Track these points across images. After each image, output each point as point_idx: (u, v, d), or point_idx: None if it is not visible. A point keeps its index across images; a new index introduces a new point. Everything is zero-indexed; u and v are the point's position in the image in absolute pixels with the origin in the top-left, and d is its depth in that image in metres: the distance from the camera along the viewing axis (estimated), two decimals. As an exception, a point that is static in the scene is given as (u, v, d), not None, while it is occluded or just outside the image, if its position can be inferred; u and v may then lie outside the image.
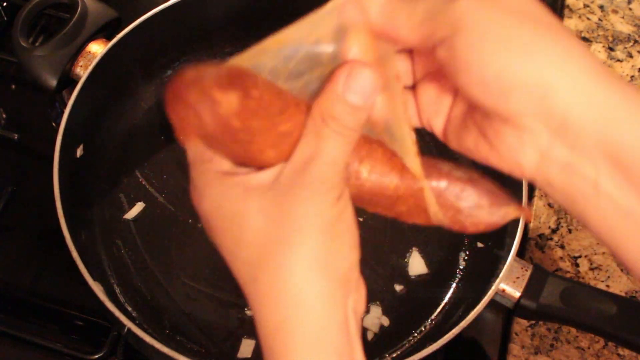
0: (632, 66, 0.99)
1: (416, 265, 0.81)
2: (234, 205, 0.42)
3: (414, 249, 0.81)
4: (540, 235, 0.85)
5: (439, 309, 0.79)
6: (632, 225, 0.37)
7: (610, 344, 0.79)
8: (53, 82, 0.80)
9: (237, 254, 0.43)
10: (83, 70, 0.80)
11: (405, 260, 0.81)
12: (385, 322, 0.77)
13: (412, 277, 0.80)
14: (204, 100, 0.40)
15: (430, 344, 0.67)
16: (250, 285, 0.42)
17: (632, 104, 0.37)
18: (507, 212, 0.49)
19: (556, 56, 0.37)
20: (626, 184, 0.37)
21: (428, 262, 0.81)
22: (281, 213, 0.41)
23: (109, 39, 0.80)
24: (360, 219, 0.82)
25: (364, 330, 0.77)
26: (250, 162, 0.43)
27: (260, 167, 0.43)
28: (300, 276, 0.41)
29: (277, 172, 0.42)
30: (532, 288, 0.71)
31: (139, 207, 0.81)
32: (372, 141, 0.45)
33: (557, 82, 0.37)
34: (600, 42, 1.00)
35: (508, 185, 0.79)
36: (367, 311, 0.78)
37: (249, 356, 0.74)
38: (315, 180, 0.41)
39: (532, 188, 0.88)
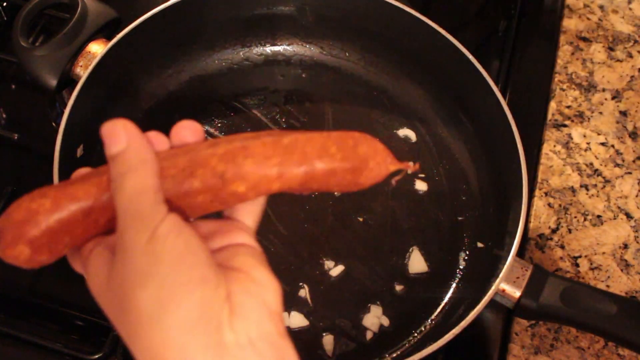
0: (632, 66, 0.99)
1: (416, 263, 0.81)
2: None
3: (414, 247, 0.82)
4: (540, 235, 0.85)
5: (439, 309, 0.79)
6: None
7: (610, 344, 0.79)
8: (53, 82, 0.80)
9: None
10: (83, 70, 0.80)
11: (405, 259, 0.81)
12: (385, 322, 0.77)
13: (412, 275, 0.80)
14: (8, 258, 0.45)
15: (430, 344, 0.67)
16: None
17: None
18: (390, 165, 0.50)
19: None
20: None
21: (428, 261, 0.81)
22: (112, 275, 0.44)
23: (109, 39, 0.80)
24: (360, 219, 0.83)
25: (363, 330, 0.77)
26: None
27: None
28: (143, 337, 0.41)
29: None
30: (532, 288, 0.71)
31: (139, 207, 0.81)
32: (237, 154, 0.46)
33: None
34: (600, 42, 1.00)
35: (508, 183, 0.79)
36: (367, 310, 0.78)
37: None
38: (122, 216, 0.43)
39: (532, 188, 0.88)
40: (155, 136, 0.47)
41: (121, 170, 0.43)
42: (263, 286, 0.44)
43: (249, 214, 0.49)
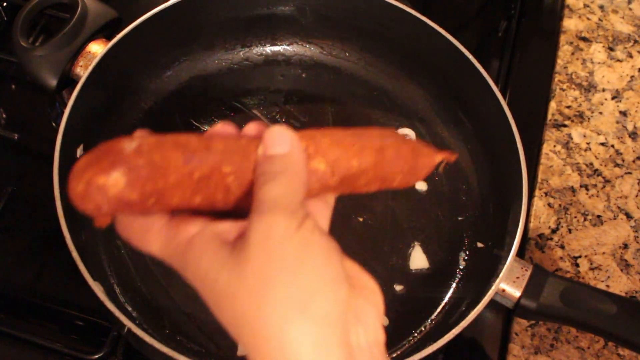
0: (632, 66, 0.99)
1: (418, 259, 0.81)
2: (206, 264, 0.42)
3: (416, 243, 0.81)
4: (540, 235, 0.85)
5: (439, 309, 0.79)
6: None
7: (610, 344, 0.79)
8: (53, 82, 0.80)
9: (218, 313, 0.43)
10: (83, 70, 0.80)
11: (406, 257, 0.81)
12: (385, 321, 0.77)
13: (412, 270, 0.80)
14: (92, 191, 0.41)
15: (430, 344, 0.67)
16: (241, 342, 0.42)
17: None
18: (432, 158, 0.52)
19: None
20: None
21: (429, 259, 0.81)
22: (241, 264, 0.41)
23: (109, 39, 0.80)
24: (360, 219, 0.83)
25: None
26: (183, 209, 0.44)
27: (198, 210, 0.44)
28: (279, 328, 0.40)
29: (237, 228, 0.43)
30: (532, 288, 0.71)
31: (139, 207, 0.81)
32: (315, 134, 0.47)
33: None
34: (600, 42, 1.00)
35: (508, 183, 0.79)
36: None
37: (249, 356, 0.74)
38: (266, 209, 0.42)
39: (532, 188, 0.88)
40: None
41: (278, 169, 0.44)
42: (374, 292, 0.46)
43: (322, 216, 0.49)
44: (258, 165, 0.44)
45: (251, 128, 0.48)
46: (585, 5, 1.04)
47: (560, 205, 0.87)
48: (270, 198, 0.42)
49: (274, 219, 0.41)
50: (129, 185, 0.41)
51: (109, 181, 0.40)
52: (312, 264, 0.41)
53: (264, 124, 0.47)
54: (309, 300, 0.40)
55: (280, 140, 0.45)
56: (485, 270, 0.75)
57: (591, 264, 0.84)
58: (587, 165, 0.90)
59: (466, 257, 0.82)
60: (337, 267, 0.43)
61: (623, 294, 0.81)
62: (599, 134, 0.93)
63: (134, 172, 0.41)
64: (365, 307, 0.44)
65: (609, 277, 0.83)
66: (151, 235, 0.45)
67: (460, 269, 0.81)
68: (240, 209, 0.45)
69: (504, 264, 0.71)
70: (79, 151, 0.79)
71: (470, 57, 0.81)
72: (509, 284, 0.71)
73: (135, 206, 0.42)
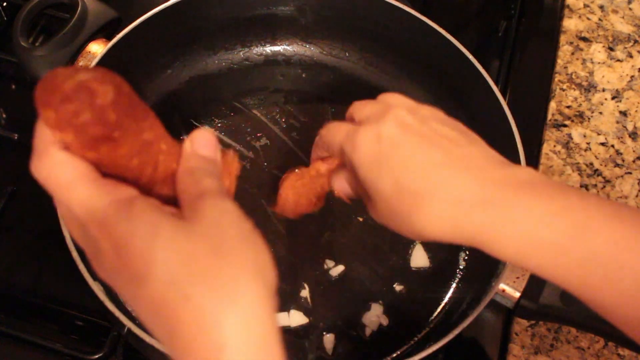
0: (632, 66, 0.99)
1: (419, 258, 0.81)
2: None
3: (417, 241, 0.81)
4: (540, 235, 0.85)
5: (439, 309, 0.79)
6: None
7: (610, 344, 0.79)
8: (53, 82, 0.80)
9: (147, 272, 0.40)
10: (83, 70, 0.80)
11: (406, 259, 0.81)
12: (385, 321, 0.77)
13: (413, 269, 0.80)
14: (82, 90, 0.39)
15: (430, 344, 0.67)
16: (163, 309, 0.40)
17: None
18: None
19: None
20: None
21: (429, 259, 0.81)
22: (194, 233, 0.41)
23: (109, 39, 0.80)
24: (360, 219, 0.83)
25: (362, 327, 0.77)
26: (116, 169, 0.43)
27: (125, 176, 0.44)
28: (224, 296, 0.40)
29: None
30: (532, 288, 0.71)
31: (139, 207, 0.81)
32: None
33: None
34: (600, 42, 1.00)
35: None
36: (368, 308, 0.78)
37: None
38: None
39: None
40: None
41: (211, 169, 0.46)
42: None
43: None
44: (186, 158, 0.46)
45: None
46: (585, 5, 1.04)
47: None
48: (213, 189, 0.44)
49: (228, 205, 0.43)
50: (113, 104, 0.40)
51: (101, 89, 0.40)
52: (253, 248, 0.43)
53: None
54: (259, 267, 0.42)
55: (210, 144, 0.48)
56: (485, 270, 0.75)
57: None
58: (587, 165, 0.90)
59: (466, 257, 0.82)
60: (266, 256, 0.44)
61: (623, 294, 0.81)
62: (599, 134, 0.93)
63: (120, 96, 0.41)
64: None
65: (609, 277, 0.83)
66: (81, 183, 0.43)
67: (460, 269, 0.81)
68: (146, 192, 0.45)
69: (504, 264, 0.71)
70: (79, 151, 0.79)
71: (470, 57, 0.81)
72: (509, 284, 0.71)
73: (98, 138, 0.41)
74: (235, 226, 0.42)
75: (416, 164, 0.51)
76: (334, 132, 0.59)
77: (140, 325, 0.73)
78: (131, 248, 0.40)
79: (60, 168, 0.43)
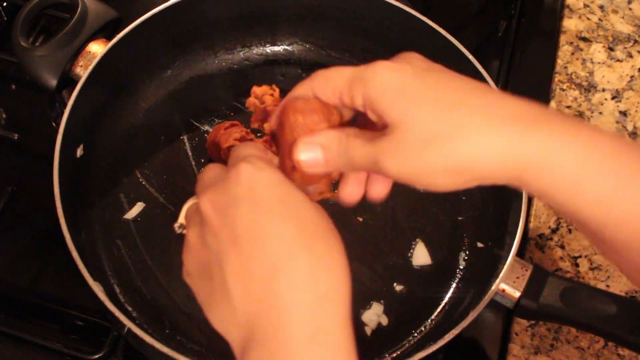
0: (632, 66, 0.99)
1: (420, 255, 0.81)
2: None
3: (418, 239, 0.81)
4: (540, 235, 0.85)
5: (439, 309, 0.79)
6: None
7: (610, 344, 0.79)
8: (53, 82, 0.80)
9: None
10: (83, 70, 0.80)
11: (406, 258, 0.81)
12: (384, 321, 0.77)
13: (415, 267, 0.80)
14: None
15: (430, 344, 0.67)
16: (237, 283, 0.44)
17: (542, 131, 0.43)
18: None
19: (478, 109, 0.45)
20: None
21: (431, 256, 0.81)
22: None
23: (109, 39, 0.80)
24: (360, 219, 0.83)
25: (361, 326, 0.77)
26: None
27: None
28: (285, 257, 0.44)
29: None
30: (532, 288, 0.71)
31: (139, 207, 0.81)
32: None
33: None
34: (600, 42, 1.00)
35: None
36: (369, 307, 0.78)
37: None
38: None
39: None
40: None
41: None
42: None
43: None
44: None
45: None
46: (585, 5, 1.04)
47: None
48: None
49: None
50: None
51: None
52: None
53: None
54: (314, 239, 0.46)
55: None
56: (485, 270, 0.75)
57: (591, 264, 0.84)
58: (587, 165, 0.90)
59: (466, 257, 0.82)
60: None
61: (623, 294, 0.81)
62: (599, 134, 0.93)
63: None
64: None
65: (609, 277, 0.83)
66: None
67: (460, 269, 0.81)
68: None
69: (504, 264, 0.71)
70: (79, 151, 0.79)
71: (470, 57, 0.81)
72: (509, 284, 0.71)
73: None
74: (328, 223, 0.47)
75: (456, 84, 0.47)
76: (331, 75, 0.50)
77: (140, 325, 0.73)
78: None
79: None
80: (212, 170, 0.50)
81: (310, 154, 0.49)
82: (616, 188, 0.43)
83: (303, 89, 0.52)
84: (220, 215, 0.45)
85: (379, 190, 0.53)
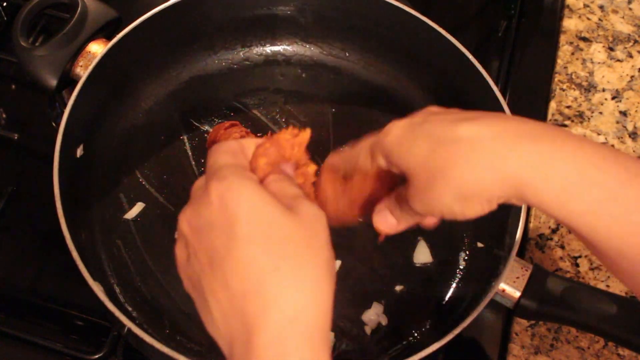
0: (632, 66, 0.99)
1: (422, 254, 0.81)
2: None
3: (420, 237, 0.82)
4: (540, 235, 0.85)
5: (439, 309, 0.79)
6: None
7: (610, 344, 0.79)
8: (53, 82, 0.80)
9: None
10: (83, 70, 0.80)
11: (406, 258, 0.81)
12: (384, 320, 0.77)
13: (417, 265, 0.80)
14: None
15: (430, 344, 0.67)
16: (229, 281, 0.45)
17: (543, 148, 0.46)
18: None
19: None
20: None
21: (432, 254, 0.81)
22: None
23: (109, 39, 0.80)
24: (360, 219, 0.83)
25: (361, 326, 0.77)
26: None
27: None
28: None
29: None
30: (532, 288, 0.71)
31: (139, 207, 0.81)
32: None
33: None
34: (600, 42, 1.00)
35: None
36: (369, 306, 0.78)
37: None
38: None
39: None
40: None
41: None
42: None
43: None
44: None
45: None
46: (585, 5, 1.04)
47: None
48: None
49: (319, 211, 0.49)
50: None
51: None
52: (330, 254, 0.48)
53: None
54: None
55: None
56: (485, 270, 0.75)
57: (591, 264, 0.84)
58: (587, 165, 0.90)
59: (466, 257, 0.82)
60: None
61: (623, 294, 0.81)
62: (599, 134, 0.93)
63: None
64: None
65: (609, 277, 0.83)
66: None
67: (460, 269, 0.81)
68: None
69: (504, 264, 0.71)
70: (79, 151, 0.79)
71: (470, 57, 0.81)
72: (509, 284, 0.71)
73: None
74: (324, 230, 0.48)
75: (450, 119, 0.50)
76: (356, 148, 0.57)
77: (140, 325, 0.73)
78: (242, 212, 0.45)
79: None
80: (196, 184, 0.52)
81: (387, 219, 0.57)
82: (603, 198, 0.45)
83: (346, 160, 0.58)
84: (196, 236, 0.47)
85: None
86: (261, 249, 0.44)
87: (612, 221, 0.45)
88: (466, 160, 0.47)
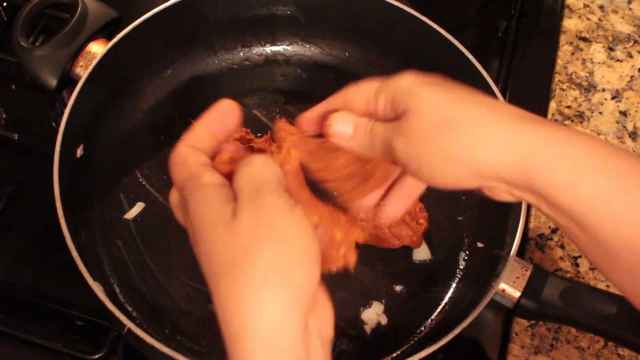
0: (632, 66, 0.99)
1: (421, 250, 0.81)
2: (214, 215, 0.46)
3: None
4: (540, 235, 0.85)
5: (439, 309, 0.79)
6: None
7: (610, 344, 0.79)
8: (53, 82, 0.80)
9: (208, 263, 0.44)
10: (83, 70, 0.80)
11: (407, 258, 0.81)
12: (384, 320, 0.77)
13: (416, 262, 0.80)
14: None
15: (430, 344, 0.67)
16: (215, 293, 0.44)
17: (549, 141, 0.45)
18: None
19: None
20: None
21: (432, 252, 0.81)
22: (243, 225, 0.44)
23: (109, 39, 0.80)
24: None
25: (361, 326, 0.77)
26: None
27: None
28: (257, 286, 0.42)
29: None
30: (532, 288, 0.71)
31: (139, 207, 0.81)
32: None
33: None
34: (600, 42, 1.00)
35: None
36: (369, 305, 0.78)
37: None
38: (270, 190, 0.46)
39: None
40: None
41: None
42: (325, 294, 0.47)
43: None
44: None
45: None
46: (585, 5, 1.04)
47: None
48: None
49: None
50: None
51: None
52: (298, 240, 0.44)
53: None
54: (289, 270, 0.43)
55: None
56: (485, 270, 0.75)
57: (591, 263, 0.84)
58: (587, 165, 0.90)
59: (466, 257, 0.82)
60: (317, 251, 0.45)
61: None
62: (599, 134, 0.93)
63: None
64: (325, 303, 0.46)
65: (609, 277, 0.83)
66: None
67: (460, 269, 0.81)
68: None
69: (504, 264, 0.71)
70: (79, 151, 0.79)
71: (470, 57, 0.81)
72: (509, 284, 0.71)
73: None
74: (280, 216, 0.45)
75: (466, 90, 0.50)
76: (361, 86, 0.56)
77: (140, 325, 0.73)
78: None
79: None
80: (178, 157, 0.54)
81: (342, 126, 0.52)
82: (612, 186, 0.44)
83: (337, 99, 0.56)
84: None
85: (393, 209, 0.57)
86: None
87: (624, 208, 0.44)
88: (480, 125, 0.46)
